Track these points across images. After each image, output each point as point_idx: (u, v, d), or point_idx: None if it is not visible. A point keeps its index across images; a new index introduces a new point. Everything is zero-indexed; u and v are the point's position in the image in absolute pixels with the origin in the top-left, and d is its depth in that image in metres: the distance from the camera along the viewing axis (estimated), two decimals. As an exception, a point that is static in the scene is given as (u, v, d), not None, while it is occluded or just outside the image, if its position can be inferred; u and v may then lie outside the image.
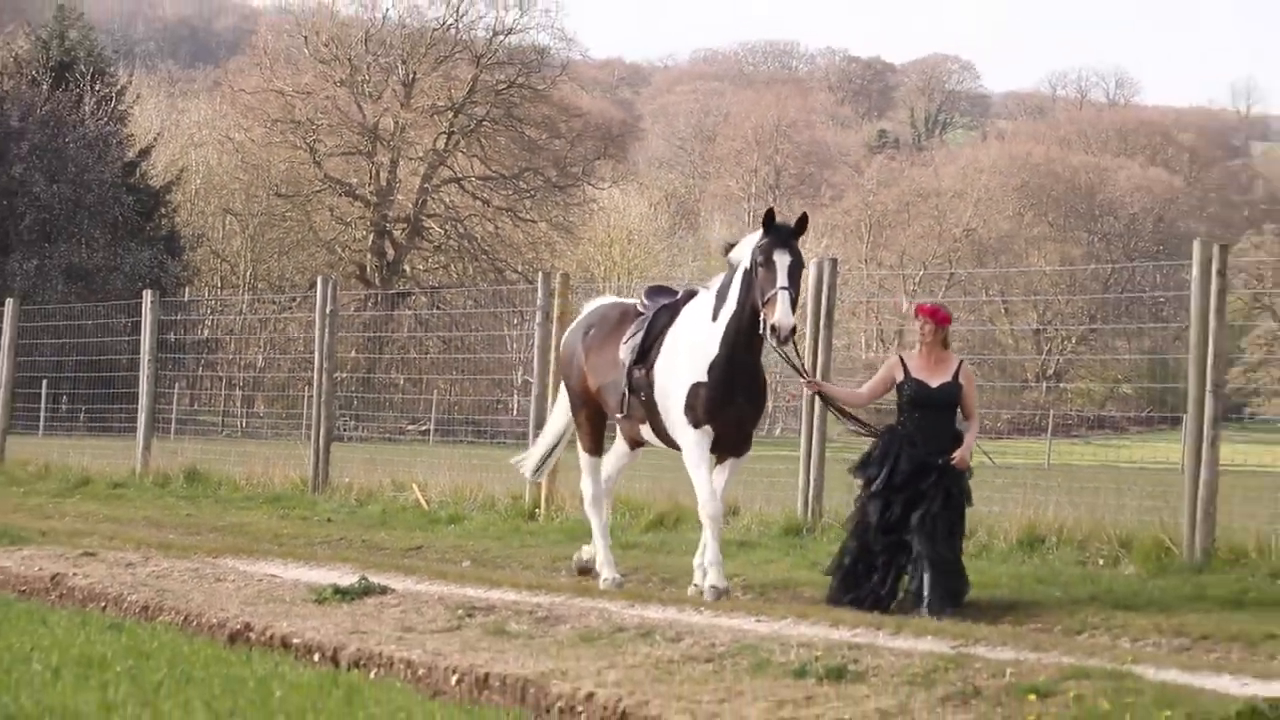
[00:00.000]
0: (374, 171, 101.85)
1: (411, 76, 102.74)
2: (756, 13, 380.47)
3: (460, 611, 17.41)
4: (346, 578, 19.66)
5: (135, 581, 20.46)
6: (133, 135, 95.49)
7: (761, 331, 18.43)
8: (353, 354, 56.39)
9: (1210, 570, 20.33)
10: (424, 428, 51.49)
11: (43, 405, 51.92)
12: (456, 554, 24.70)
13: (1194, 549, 20.74)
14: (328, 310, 33.44)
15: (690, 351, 19.05)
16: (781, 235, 18.50)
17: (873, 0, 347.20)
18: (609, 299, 21.70)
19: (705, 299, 19.51)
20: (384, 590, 18.79)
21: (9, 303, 41.51)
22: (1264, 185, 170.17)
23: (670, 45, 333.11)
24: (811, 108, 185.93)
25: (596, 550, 21.10)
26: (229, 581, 20.26)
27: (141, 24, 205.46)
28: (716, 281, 19.53)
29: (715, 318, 19.06)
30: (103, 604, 19.53)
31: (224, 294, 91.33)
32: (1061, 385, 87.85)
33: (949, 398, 18.50)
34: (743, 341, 18.75)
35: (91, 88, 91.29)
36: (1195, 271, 21.54)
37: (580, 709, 13.53)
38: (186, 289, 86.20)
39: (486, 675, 14.68)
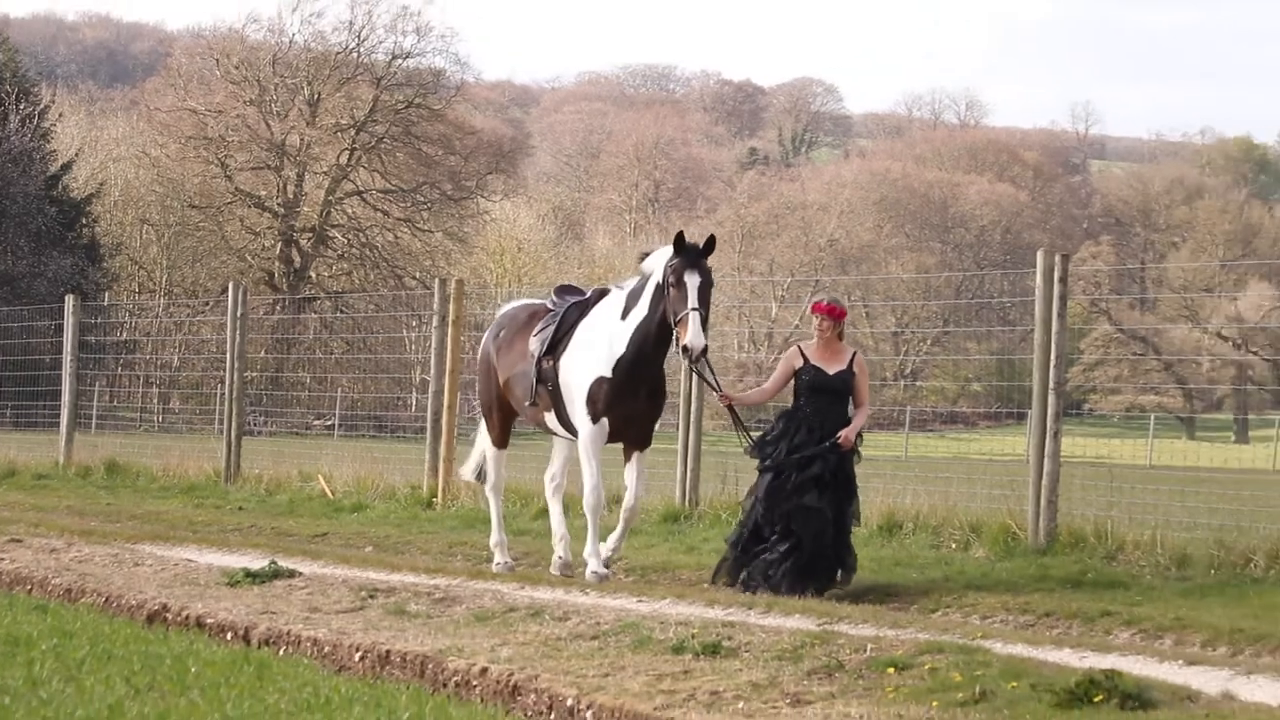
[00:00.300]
0: (281, 185, 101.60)
1: (316, 97, 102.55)
2: (637, 38, 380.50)
3: (363, 593, 17.42)
4: (257, 562, 19.64)
5: (59, 566, 20.40)
6: (55, 151, 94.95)
7: (675, 351, 18.40)
8: (262, 354, 56.13)
9: (1053, 553, 20.49)
10: (329, 423, 51.33)
11: (-32, 403, 51.57)
12: (359, 540, 24.67)
13: (1038, 534, 20.91)
14: (238, 314, 33.48)
15: (598, 347, 18.92)
16: (691, 256, 18.28)
17: (744, 26, 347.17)
18: (519, 302, 21.58)
19: (616, 298, 19.30)
20: (292, 574, 18.78)
21: (-65, 306, 41.32)
22: (1100, 200, 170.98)
23: (557, 68, 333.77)
24: (687, 127, 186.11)
25: (491, 531, 21.09)
26: (147, 566, 20.21)
27: (63, 47, 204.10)
28: (629, 283, 19.31)
29: (625, 317, 18.87)
30: (29, 587, 19.46)
31: (141, 299, 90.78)
32: (917, 384, 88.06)
33: (844, 384, 18.49)
34: (649, 345, 18.64)
35: (16, 106, 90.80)
36: (1039, 279, 21.74)
37: (475, 683, 13.57)
38: (106, 294, 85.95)
39: (388, 652, 14.70)
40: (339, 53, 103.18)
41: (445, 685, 13.76)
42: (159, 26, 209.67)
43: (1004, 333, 68.66)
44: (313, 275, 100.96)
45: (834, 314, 18.70)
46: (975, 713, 11.51)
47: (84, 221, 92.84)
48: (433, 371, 29.11)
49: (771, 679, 12.77)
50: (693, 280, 18.02)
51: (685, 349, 17.89)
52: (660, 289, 18.43)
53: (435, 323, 29.07)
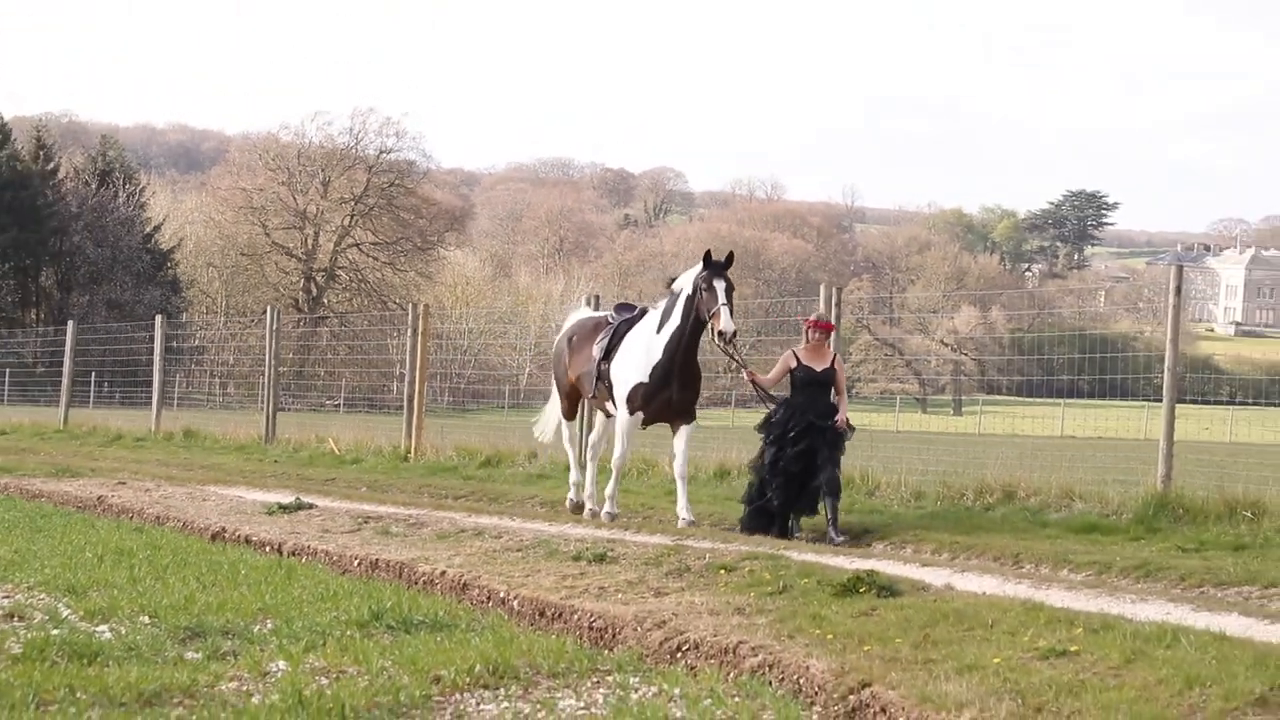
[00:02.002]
0: (304, 240, 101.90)
1: (327, 179, 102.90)
2: (547, 136, 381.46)
3: (359, 520, 17.30)
4: (286, 498, 19.45)
5: (151, 500, 20.21)
6: (149, 217, 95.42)
7: (711, 338, 17.68)
8: (290, 355, 55.87)
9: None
10: (336, 403, 51.05)
11: (91, 388, 51.29)
12: (357, 483, 24.48)
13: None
14: (274, 328, 33.47)
15: (637, 356, 18.12)
16: (718, 268, 17.53)
17: (620, 128, 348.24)
18: (585, 312, 20.91)
19: (654, 316, 18.33)
20: (311, 506, 18.63)
21: (70, 325, 41.41)
22: (862, 250, 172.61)
23: (492, 158, 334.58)
24: (581, 199, 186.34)
25: (570, 472, 20.23)
26: (211, 500, 20.04)
27: (155, 146, 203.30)
28: (662, 304, 18.35)
29: (659, 330, 17.96)
30: (130, 515, 19.27)
31: (207, 317, 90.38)
32: (740, 375, 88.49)
33: (828, 378, 17.83)
34: (683, 348, 17.84)
35: (123, 187, 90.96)
36: (821, 304, 21.80)
37: (437, 582, 13.56)
38: (184, 314, 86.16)
39: (377, 560, 14.65)
40: (343, 148, 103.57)
41: (416, 583, 13.73)
42: (221, 131, 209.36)
43: (800, 341, 68.79)
44: (325, 301, 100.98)
45: (825, 328, 18.21)
46: (780, 599, 11.49)
47: (169, 265, 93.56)
48: (407, 368, 29.06)
49: (640, 578, 12.75)
50: (720, 285, 17.36)
51: (720, 333, 17.11)
52: (690, 299, 17.69)
53: (409, 335, 28.99)
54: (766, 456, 17.59)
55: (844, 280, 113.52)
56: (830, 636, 10.04)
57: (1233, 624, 10.20)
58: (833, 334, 18.42)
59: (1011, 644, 9.41)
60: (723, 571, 12.67)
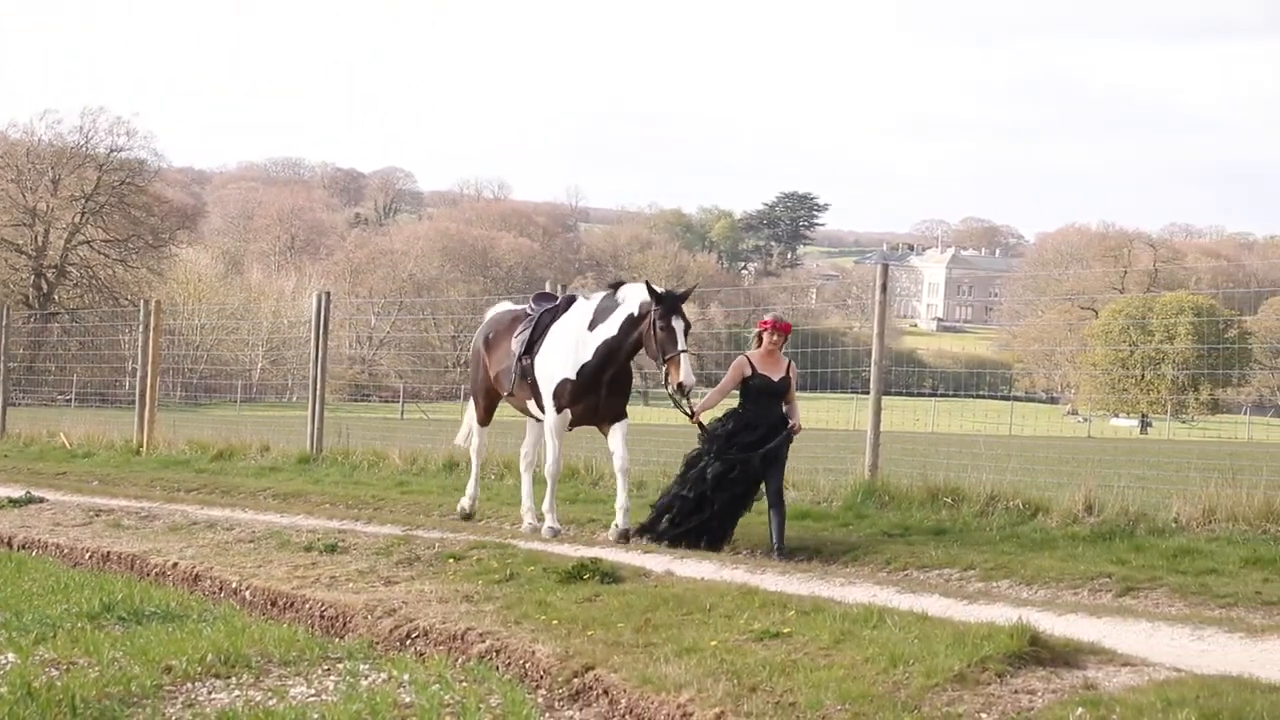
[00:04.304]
0: (34, 237, 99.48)
1: (57, 176, 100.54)
2: (277, 135, 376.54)
3: (91, 513, 16.99)
4: (16, 492, 19.01)
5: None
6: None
7: (664, 384, 15.30)
8: (21, 351, 54.33)
9: (577, 480, 20.23)
10: (68, 398, 49.79)
11: None
12: (89, 477, 23.97)
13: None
14: (3, 324, 32.60)
15: (564, 350, 15.89)
16: (672, 302, 15.20)
17: (349, 127, 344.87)
18: (504, 307, 18.26)
19: (584, 308, 16.12)
20: (41, 500, 18.25)
21: None
22: (586, 249, 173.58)
23: (224, 157, 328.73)
24: (313, 199, 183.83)
25: (468, 486, 18.09)
26: (-61, 497, 19.46)
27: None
28: (597, 296, 16.20)
29: (591, 329, 15.70)
30: None
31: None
32: (469, 369, 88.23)
33: (784, 387, 15.56)
34: (612, 360, 15.50)
35: None
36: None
37: (169, 573, 13.42)
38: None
39: (109, 553, 14.45)
40: (73, 147, 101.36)
41: (149, 575, 13.58)
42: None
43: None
44: (56, 297, 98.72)
45: (785, 329, 15.79)
46: (507, 586, 11.54)
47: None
48: (140, 362, 28.53)
49: (371, 567, 12.73)
50: (679, 325, 15.00)
51: (680, 385, 14.91)
52: (634, 320, 15.30)
53: (141, 330, 28.50)
54: (711, 470, 15.31)
55: (569, 278, 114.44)
56: (555, 622, 10.10)
57: (934, 605, 10.49)
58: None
59: (728, 627, 9.57)
60: (451, 560, 12.69)
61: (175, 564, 13.56)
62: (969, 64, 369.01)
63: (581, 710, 8.75)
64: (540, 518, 16.52)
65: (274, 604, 12.00)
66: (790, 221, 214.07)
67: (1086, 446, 36.47)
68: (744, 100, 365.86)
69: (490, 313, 18.34)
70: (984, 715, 7.63)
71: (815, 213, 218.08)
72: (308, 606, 11.65)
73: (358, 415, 43.30)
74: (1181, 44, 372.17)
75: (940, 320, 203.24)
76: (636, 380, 17.94)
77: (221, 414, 43.76)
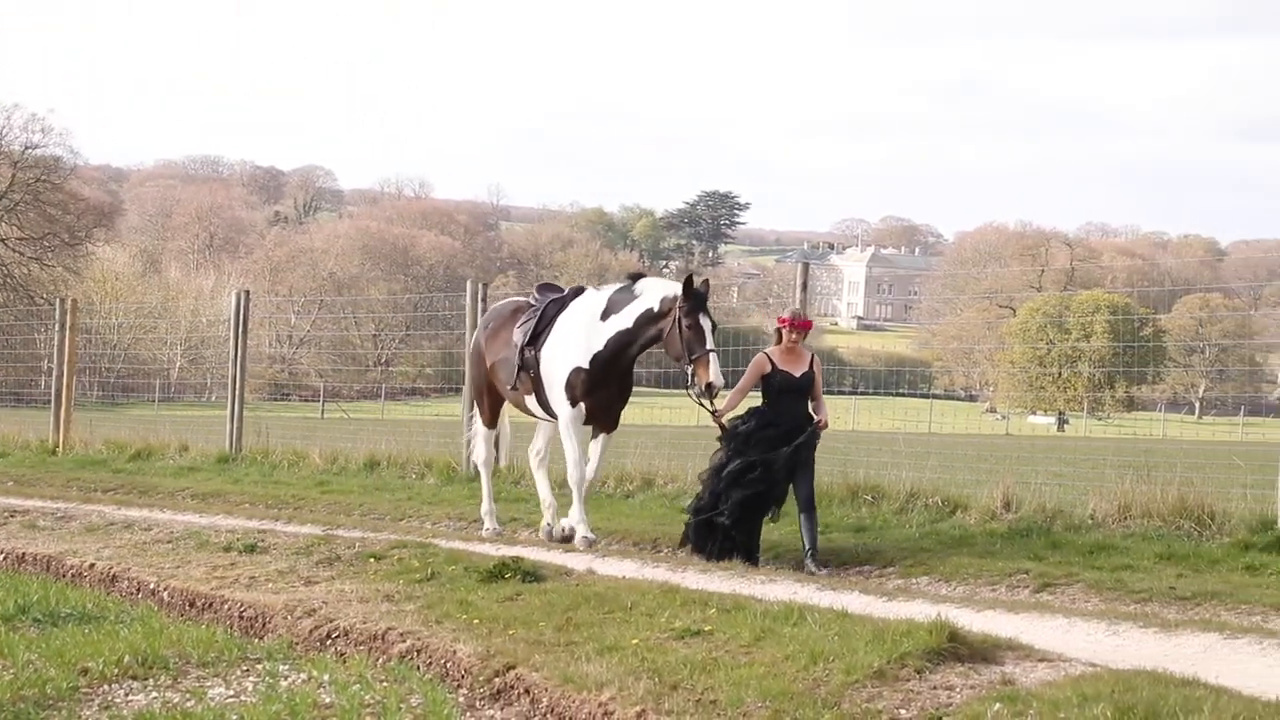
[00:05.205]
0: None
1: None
2: (196, 133, 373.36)
3: (6, 514, 16.86)
4: (-70, 494, 18.79)
5: None
6: None
7: (690, 387, 14.62)
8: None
9: (498, 479, 20.10)
10: (-18, 398, 49.32)
11: None
12: (4, 478, 23.61)
13: (467, 467, 20.66)
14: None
15: (576, 340, 15.10)
16: (700, 300, 14.56)
17: (269, 125, 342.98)
18: (506, 300, 17.52)
19: (596, 298, 15.46)
20: (-46, 502, 18.04)
21: None
22: (508, 248, 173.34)
23: (141, 155, 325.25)
24: (232, 197, 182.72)
25: (482, 500, 16.75)
26: None
27: None
28: (609, 288, 15.54)
29: (604, 319, 15.02)
30: None
31: None
32: (390, 368, 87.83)
33: (808, 384, 14.83)
34: (624, 352, 14.88)
35: None
36: (468, 299, 21.74)
37: (86, 574, 13.36)
38: None
39: (24, 554, 14.36)
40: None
41: (65, 576, 13.50)
42: None
43: (446, 334, 68.71)
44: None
45: (805, 326, 15.12)
46: (428, 586, 11.53)
47: None
48: (55, 362, 28.24)
49: (291, 567, 12.69)
50: (706, 323, 14.42)
51: (708, 385, 14.30)
52: (651, 315, 14.70)
53: (57, 329, 28.22)
54: (730, 466, 14.59)
55: (490, 276, 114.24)
56: (477, 621, 10.09)
57: (854, 602, 10.55)
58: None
59: (650, 625, 9.58)
60: (372, 560, 12.66)
61: (92, 565, 13.48)
62: (890, 64, 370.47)
63: (503, 709, 8.75)
64: (571, 531, 15.32)
65: (192, 605, 11.94)
66: (711, 220, 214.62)
67: (1005, 444, 36.70)
68: (666, 99, 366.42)
69: (492, 307, 17.70)
70: (903, 711, 7.68)
71: (736, 211, 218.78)
72: (226, 607, 11.60)
73: (278, 414, 43.05)
74: (1099, 46, 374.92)
75: (860, 318, 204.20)
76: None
77: (139, 413, 43.38)
